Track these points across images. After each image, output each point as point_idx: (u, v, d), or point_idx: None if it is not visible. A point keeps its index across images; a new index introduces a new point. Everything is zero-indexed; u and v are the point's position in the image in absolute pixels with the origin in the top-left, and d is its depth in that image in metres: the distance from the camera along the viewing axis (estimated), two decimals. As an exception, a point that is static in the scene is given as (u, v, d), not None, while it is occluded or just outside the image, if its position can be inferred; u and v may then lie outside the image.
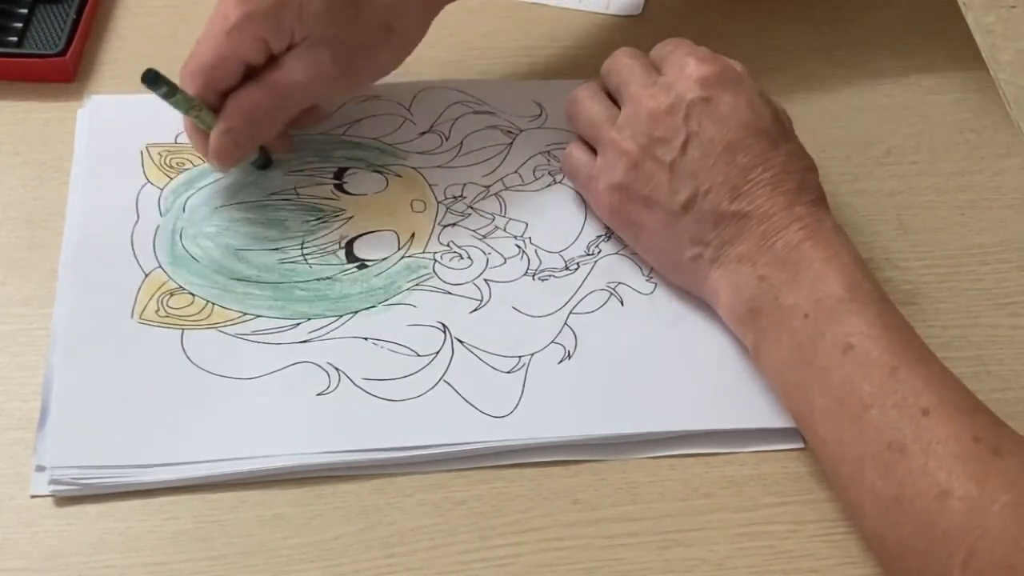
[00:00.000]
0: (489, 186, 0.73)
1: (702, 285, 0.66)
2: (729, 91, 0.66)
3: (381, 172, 0.74)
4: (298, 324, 0.66)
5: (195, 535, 0.59)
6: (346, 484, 0.61)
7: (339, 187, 0.73)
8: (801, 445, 0.63)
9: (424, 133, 0.76)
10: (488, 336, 0.66)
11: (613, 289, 0.69)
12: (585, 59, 0.80)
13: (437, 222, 0.71)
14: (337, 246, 0.70)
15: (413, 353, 0.65)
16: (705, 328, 0.67)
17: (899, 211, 0.74)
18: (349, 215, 0.71)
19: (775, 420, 0.63)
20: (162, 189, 0.71)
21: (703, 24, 0.83)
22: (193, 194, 0.71)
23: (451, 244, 0.70)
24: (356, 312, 0.67)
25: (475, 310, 0.67)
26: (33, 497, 0.60)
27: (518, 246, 0.71)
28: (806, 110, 0.77)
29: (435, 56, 0.80)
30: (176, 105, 0.66)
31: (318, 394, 0.63)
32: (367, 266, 0.69)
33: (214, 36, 0.66)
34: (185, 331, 0.65)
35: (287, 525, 0.60)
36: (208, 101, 0.67)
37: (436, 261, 0.69)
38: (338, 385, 0.64)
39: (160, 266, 0.68)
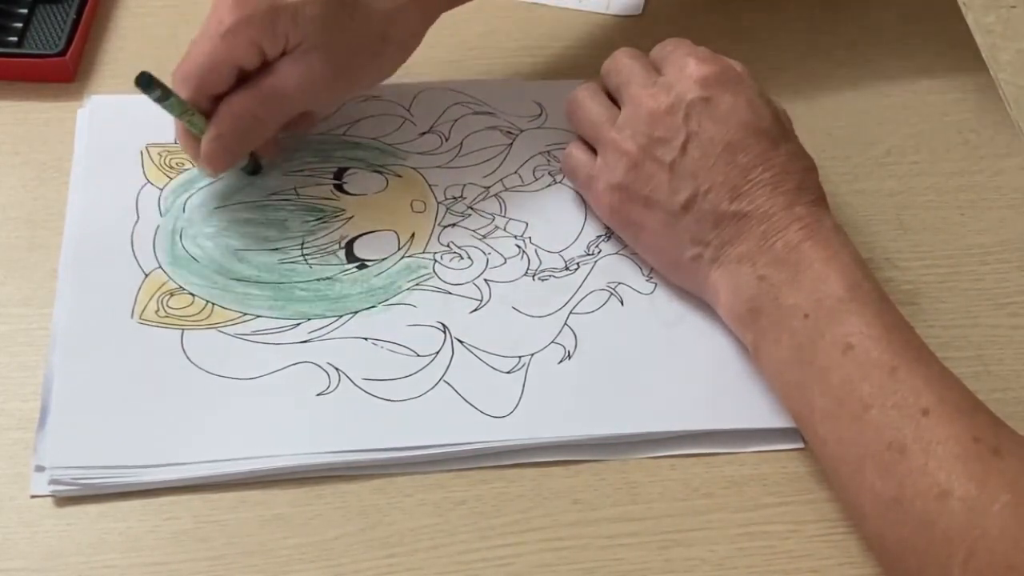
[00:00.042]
0: (489, 187, 0.73)
1: (702, 285, 0.66)
2: (729, 91, 0.66)
3: (381, 172, 0.74)
4: (298, 324, 0.66)
5: (195, 535, 0.59)
6: (346, 484, 0.61)
7: (339, 187, 0.73)
8: (801, 445, 0.63)
9: (424, 133, 0.76)
10: (488, 336, 0.66)
11: (613, 289, 0.69)
12: (585, 59, 0.80)
13: (437, 222, 0.71)
14: (337, 246, 0.70)
15: (413, 353, 0.65)
16: (705, 328, 0.67)
17: (899, 211, 0.74)
18: (349, 215, 0.71)
19: (775, 420, 0.63)
20: (162, 189, 0.71)
21: (703, 24, 0.83)
22: (193, 194, 0.71)
23: (451, 244, 0.70)
24: (356, 312, 0.67)
25: (475, 310, 0.67)
26: (33, 497, 0.60)
27: (518, 246, 0.71)
28: (806, 110, 0.77)
29: (435, 56, 0.80)
30: (169, 109, 0.66)
31: (318, 394, 0.63)
32: (367, 266, 0.69)
33: (208, 40, 0.66)
34: (185, 331, 0.65)
35: (287, 525, 0.60)
36: (200, 105, 0.67)
37: (436, 261, 0.69)
38: (338, 385, 0.64)
39: (160, 266, 0.68)
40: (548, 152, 0.75)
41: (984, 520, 0.53)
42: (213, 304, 0.67)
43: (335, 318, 0.66)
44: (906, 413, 0.56)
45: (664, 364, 0.66)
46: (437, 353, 0.65)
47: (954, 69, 0.81)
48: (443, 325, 0.67)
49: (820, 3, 0.86)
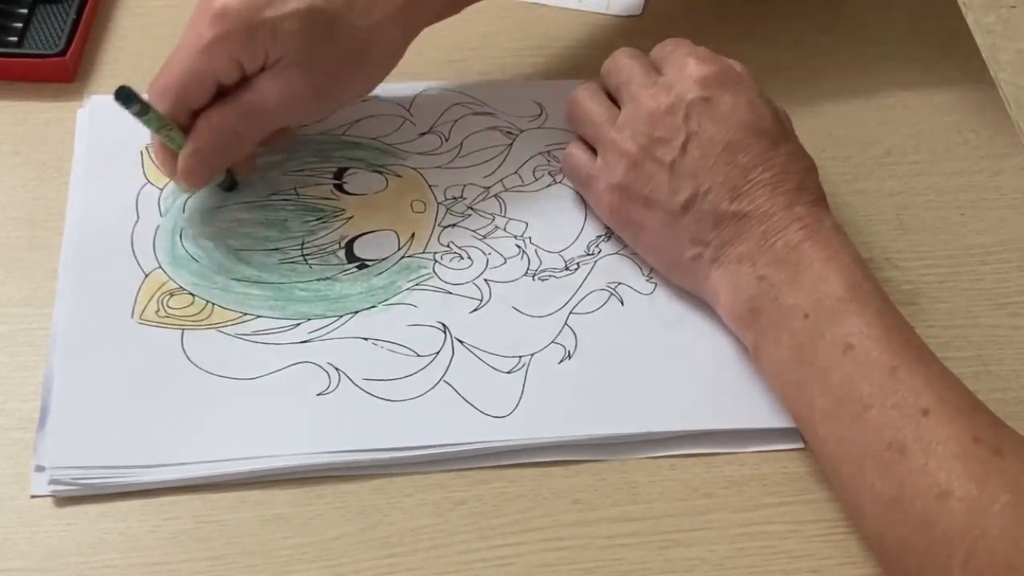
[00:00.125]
0: (489, 187, 0.73)
1: (702, 285, 0.66)
2: (729, 91, 0.66)
3: (381, 172, 0.74)
4: (298, 324, 0.66)
5: (195, 535, 0.59)
6: (346, 484, 0.61)
7: (339, 187, 0.73)
8: (801, 445, 0.63)
9: (424, 134, 0.76)
10: (488, 336, 0.66)
11: (613, 289, 0.69)
12: (585, 59, 0.80)
13: (437, 222, 0.71)
14: (337, 246, 0.70)
15: (413, 353, 0.65)
16: (705, 328, 0.67)
17: (899, 211, 0.74)
18: (349, 215, 0.71)
19: (775, 420, 0.63)
20: (162, 189, 0.71)
21: (703, 24, 0.83)
22: (193, 194, 0.71)
23: (451, 244, 0.70)
24: (356, 312, 0.67)
25: (475, 310, 0.67)
26: (33, 497, 0.60)
27: (518, 246, 0.71)
28: (806, 110, 0.77)
29: (435, 56, 0.80)
30: (147, 123, 0.65)
31: (318, 394, 0.63)
32: (367, 266, 0.69)
33: (186, 53, 0.65)
34: (185, 331, 0.65)
35: (287, 525, 0.60)
36: (178, 120, 0.66)
37: (436, 261, 0.69)
38: (338, 385, 0.64)
39: (160, 266, 0.68)
40: (548, 152, 0.75)
41: (984, 520, 0.53)
42: (213, 304, 0.67)
43: (335, 318, 0.66)
44: (906, 413, 0.56)
45: (664, 364, 0.66)
46: (437, 353, 0.65)
47: (954, 69, 0.81)
48: (443, 325, 0.67)
49: (820, 3, 0.86)
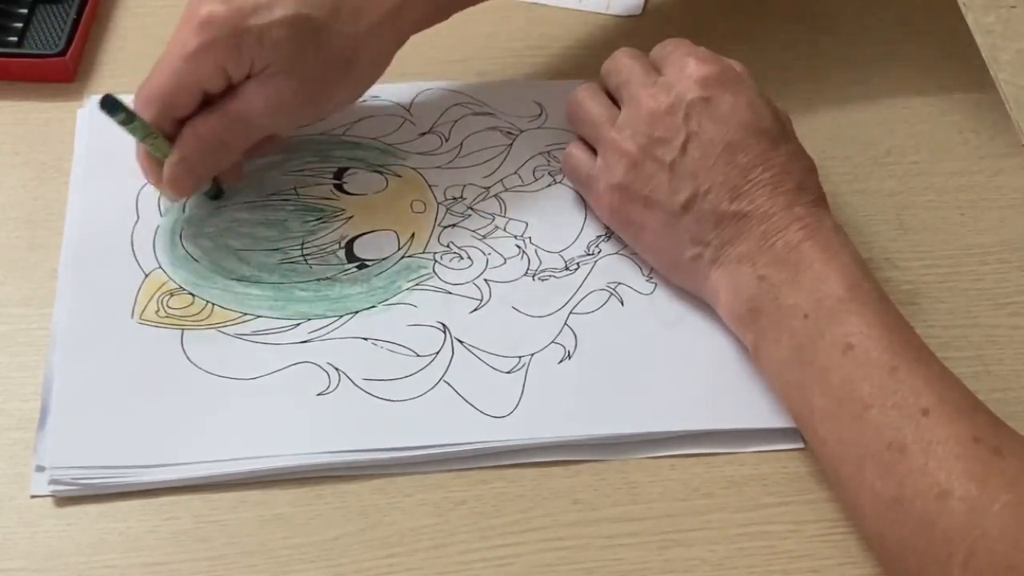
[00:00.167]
0: (489, 187, 0.73)
1: (702, 285, 0.66)
2: (729, 91, 0.66)
3: (381, 172, 0.74)
4: (298, 324, 0.66)
5: (195, 535, 0.59)
6: (346, 484, 0.61)
7: (339, 187, 0.73)
8: (801, 445, 0.63)
9: (424, 134, 0.76)
10: (488, 336, 0.66)
11: (613, 289, 0.69)
12: (585, 59, 0.80)
13: (437, 223, 0.71)
14: (337, 246, 0.70)
15: (413, 353, 0.65)
16: (705, 328, 0.67)
17: (899, 211, 0.74)
18: (349, 215, 0.71)
19: (775, 420, 0.63)
20: (162, 189, 0.71)
21: (703, 24, 0.83)
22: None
23: (451, 244, 0.70)
24: (356, 312, 0.67)
25: (475, 310, 0.67)
26: (33, 497, 0.60)
27: (518, 246, 0.71)
28: (806, 110, 0.77)
29: (435, 56, 0.80)
30: (133, 132, 0.65)
31: (318, 394, 0.63)
32: (367, 266, 0.69)
33: (172, 62, 0.65)
34: (185, 331, 0.65)
35: (287, 525, 0.60)
36: (163, 128, 0.66)
37: (436, 261, 0.69)
38: (338, 385, 0.64)
39: (160, 266, 0.68)
40: (548, 152, 0.75)
41: (984, 520, 0.53)
42: (213, 304, 0.67)
43: (335, 318, 0.66)
44: (906, 413, 0.56)
45: (664, 364, 0.66)
46: (437, 353, 0.65)
47: (954, 69, 0.81)
48: (443, 325, 0.67)
49: (820, 3, 0.86)
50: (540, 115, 0.77)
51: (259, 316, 0.66)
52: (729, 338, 0.66)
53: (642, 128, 0.66)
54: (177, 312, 0.66)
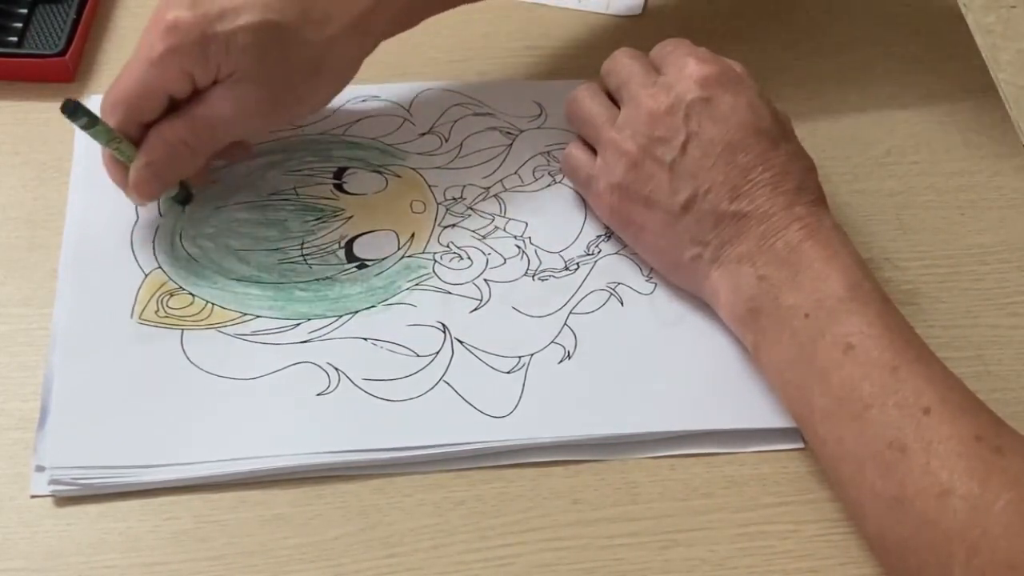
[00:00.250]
0: (489, 187, 0.73)
1: (702, 285, 0.66)
2: (729, 91, 0.66)
3: (381, 172, 0.74)
4: (298, 324, 0.66)
5: (195, 535, 0.59)
6: (346, 484, 0.61)
7: (339, 187, 0.73)
8: (801, 445, 0.63)
9: (424, 134, 0.76)
10: (488, 336, 0.66)
11: (613, 289, 0.69)
12: (585, 59, 0.80)
13: (437, 223, 0.71)
14: (337, 246, 0.70)
15: (413, 353, 0.65)
16: (705, 328, 0.67)
17: (899, 211, 0.74)
18: (349, 215, 0.71)
19: (775, 420, 0.63)
20: (162, 189, 0.71)
21: (703, 24, 0.83)
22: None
23: (451, 244, 0.70)
24: (356, 312, 0.67)
25: (475, 310, 0.67)
26: (33, 497, 0.60)
27: (518, 246, 0.71)
28: (806, 110, 0.77)
29: (435, 56, 0.80)
30: (95, 136, 0.65)
31: (318, 394, 0.63)
32: (367, 266, 0.69)
33: (138, 66, 0.64)
34: (185, 331, 0.65)
35: (287, 525, 0.60)
36: (129, 133, 0.66)
37: (436, 261, 0.69)
38: (338, 385, 0.64)
39: (160, 266, 0.68)
40: (548, 152, 0.75)
41: (986, 519, 0.53)
42: (213, 304, 0.67)
43: (335, 318, 0.66)
44: (907, 412, 0.56)
45: (664, 364, 0.66)
46: (437, 353, 0.65)
47: (954, 70, 0.81)
48: (443, 325, 0.67)
49: (820, 3, 0.86)
50: (540, 115, 0.77)
51: (259, 316, 0.66)
52: (729, 338, 0.66)
53: (642, 128, 0.66)
54: (177, 312, 0.66)
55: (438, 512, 0.60)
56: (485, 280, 0.69)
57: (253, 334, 0.66)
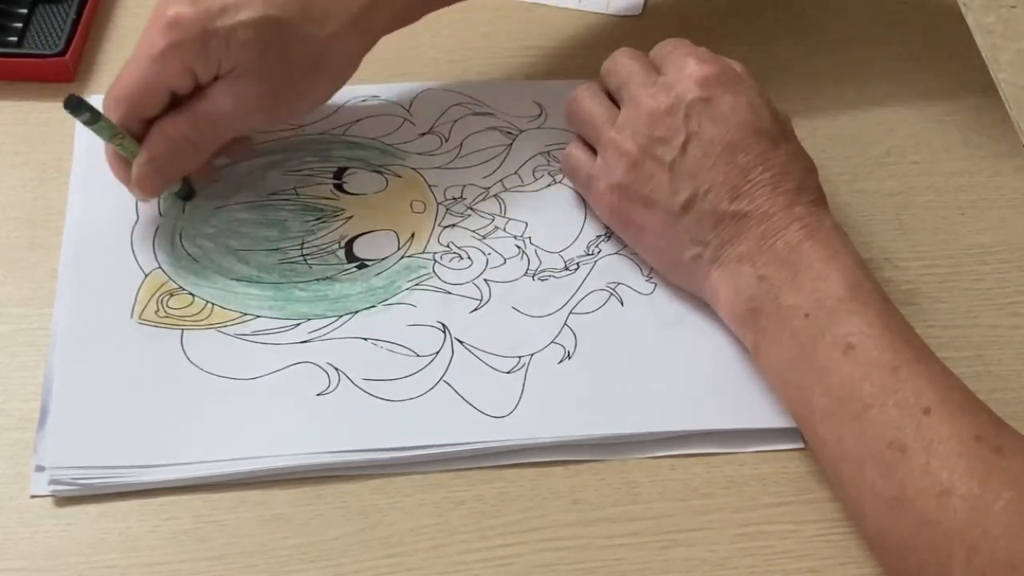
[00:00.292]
0: (489, 187, 0.73)
1: (702, 285, 0.66)
2: (729, 91, 0.66)
3: (381, 172, 0.74)
4: (298, 324, 0.66)
5: (195, 535, 0.59)
6: (346, 484, 0.61)
7: (339, 187, 0.73)
8: (801, 445, 0.63)
9: (424, 134, 0.76)
10: (488, 336, 0.66)
11: (613, 289, 0.69)
12: (585, 59, 0.80)
13: (437, 223, 0.71)
14: (337, 246, 0.70)
15: (413, 353, 0.65)
16: (705, 328, 0.67)
17: (899, 211, 0.74)
18: (349, 215, 0.71)
19: (775, 420, 0.63)
20: (162, 189, 0.71)
21: (703, 24, 0.83)
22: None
23: (451, 244, 0.70)
24: (356, 312, 0.67)
25: (475, 310, 0.67)
26: (33, 497, 0.60)
27: (518, 246, 0.71)
28: (806, 110, 0.77)
29: (435, 56, 0.80)
30: (99, 132, 0.65)
31: (318, 394, 0.63)
32: (367, 266, 0.69)
33: (140, 63, 0.65)
34: (185, 331, 0.65)
35: (287, 525, 0.60)
36: (131, 129, 0.66)
37: (436, 261, 0.69)
38: (338, 385, 0.64)
39: (160, 266, 0.68)
40: (548, 152, 0.75)
41: (986, 519, 0.53)
42: (213, 304, 0.67)
43: (335, 318, 0.66)
44: (907, 412, 0.56)
45: (664, 364, 0.66)
46: (437, 353, 0.65)
47: (954, 69, 0.81)
48: (443, 325, 0.67)
49: (819, 3, 0.86)
50: (540, 115, 0.77)
51: (259, 316, 0.66)
52: (729, 338, 0.66)
53: (642, 128, 0.66)
54: (177, 312, 0.66)
55: (438, 512, 0.60)
56: (485, 280, 0.69)
57: (253, 334, 0.66)
